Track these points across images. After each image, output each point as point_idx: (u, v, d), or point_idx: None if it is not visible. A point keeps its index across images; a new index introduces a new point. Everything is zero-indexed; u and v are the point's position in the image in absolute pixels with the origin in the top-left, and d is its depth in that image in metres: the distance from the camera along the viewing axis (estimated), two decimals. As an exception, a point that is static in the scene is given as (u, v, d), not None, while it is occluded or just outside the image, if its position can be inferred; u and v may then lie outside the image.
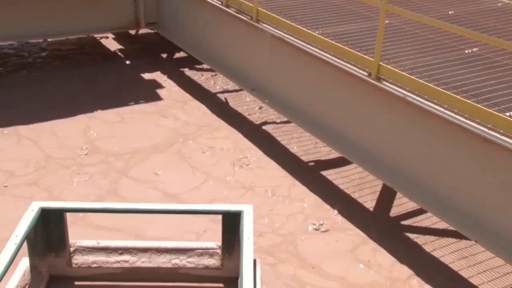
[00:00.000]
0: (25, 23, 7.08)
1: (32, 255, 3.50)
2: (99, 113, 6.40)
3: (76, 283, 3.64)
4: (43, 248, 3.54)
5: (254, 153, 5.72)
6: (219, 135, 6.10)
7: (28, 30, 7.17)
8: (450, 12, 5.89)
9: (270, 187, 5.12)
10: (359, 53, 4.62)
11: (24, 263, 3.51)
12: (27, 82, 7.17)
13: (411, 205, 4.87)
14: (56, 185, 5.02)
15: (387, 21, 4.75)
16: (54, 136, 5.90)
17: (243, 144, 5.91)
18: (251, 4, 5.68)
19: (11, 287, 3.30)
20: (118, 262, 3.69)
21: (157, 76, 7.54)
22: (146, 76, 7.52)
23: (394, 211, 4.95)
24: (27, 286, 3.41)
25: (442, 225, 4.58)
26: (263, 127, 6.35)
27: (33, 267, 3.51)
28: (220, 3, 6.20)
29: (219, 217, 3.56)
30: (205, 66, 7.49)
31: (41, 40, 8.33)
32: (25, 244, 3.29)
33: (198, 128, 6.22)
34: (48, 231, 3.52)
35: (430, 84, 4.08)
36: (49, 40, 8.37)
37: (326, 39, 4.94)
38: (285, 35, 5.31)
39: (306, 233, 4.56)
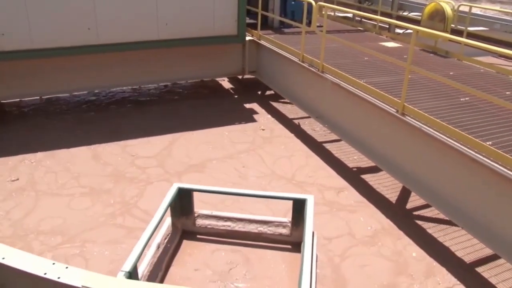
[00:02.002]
0: (170, 70, 7.29)
1: (173, 216, 3.79)
2: (220, 127, 6.74)
3: (198, 236, 3.86)
4: (179, 213, 3.78)
5: (314, 160, 5.88)
6: (291, 143, 6.30)
7: (171, 75, 7.42)
8: (451, 73, 5.87)
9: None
10: (390, 96, 4.73)
11: (168, 221, 3.82)
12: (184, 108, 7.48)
13: (421, 201, 4.84)
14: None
15: (410, 76, 4.83)
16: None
17: (303, 152, 6.03)
18: (318, 61, 5.91)
19: (161, 235, 3.65)
20: (224, 226, 3.87)
21: (254, 106, 7.74)
22: (247, 105, 7.73)
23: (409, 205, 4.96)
24: (169, 235, 3.74)
25: (442, 215, 4.48)
26: (323, 144, 6.44)
27: (173, 224, 3.82)
28: (297, 59, 6.42)
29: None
30: (286, 100, 7.61)
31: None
32: (168, 210, 3.51)
33: (277, 136, 6.48)
34: (182, 202, 3.74)
35: (437, 120, 4.17)
36: (187, 81, 8.62)
37: (368, 85, 5.05)
38: (341, 82, 5.44)
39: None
